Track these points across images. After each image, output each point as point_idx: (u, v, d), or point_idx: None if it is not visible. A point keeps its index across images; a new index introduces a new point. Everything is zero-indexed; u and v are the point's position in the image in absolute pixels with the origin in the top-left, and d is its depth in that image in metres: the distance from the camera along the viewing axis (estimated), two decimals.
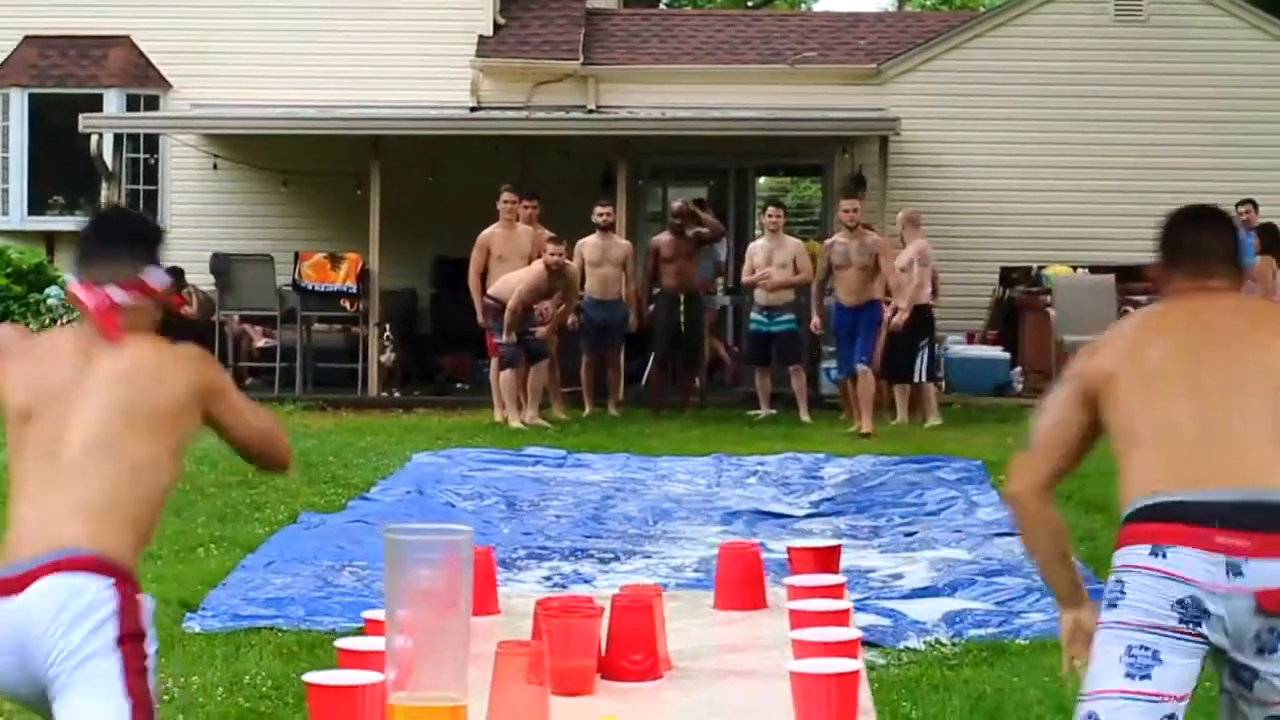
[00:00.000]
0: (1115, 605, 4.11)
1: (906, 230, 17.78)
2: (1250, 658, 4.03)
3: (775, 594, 6.43)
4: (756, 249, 18.41)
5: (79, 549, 4.15)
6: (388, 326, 19.86)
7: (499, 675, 4.80)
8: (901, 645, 8.18)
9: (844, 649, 5.20)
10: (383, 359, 19.75)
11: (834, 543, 7.44)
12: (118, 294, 4.38)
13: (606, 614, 5.50)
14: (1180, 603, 4.00)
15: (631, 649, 5.47)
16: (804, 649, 5.26)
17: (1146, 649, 4.02)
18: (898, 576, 9.79)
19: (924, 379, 17.54)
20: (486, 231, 17.71)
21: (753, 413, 18.06)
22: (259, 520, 11.42)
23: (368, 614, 5.76)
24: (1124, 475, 4.22)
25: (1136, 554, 4.08)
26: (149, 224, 4.81)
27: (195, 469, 13.38)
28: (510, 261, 17.45)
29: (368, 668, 4.88)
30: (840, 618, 5.66)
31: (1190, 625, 4.00)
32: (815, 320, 17.55)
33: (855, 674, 5.01)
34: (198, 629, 8.46)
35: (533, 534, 11.13)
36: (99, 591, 4.12)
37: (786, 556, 7.04)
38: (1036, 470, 4.39)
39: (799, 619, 5.64)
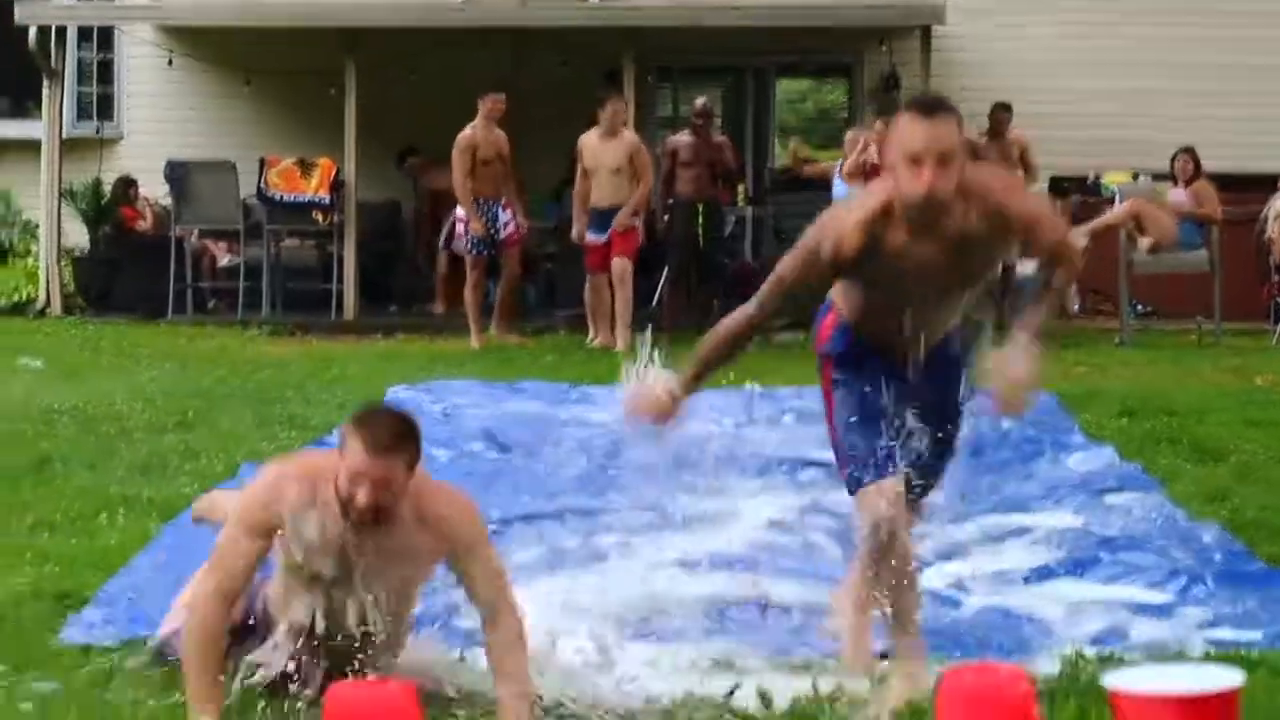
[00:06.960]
0: None
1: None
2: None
3: None
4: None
5: None
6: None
7: None
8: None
9: None
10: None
11: (1221, 684, 3.47)
12: None
13: None
14: None
15: None
16: None
17: None
18: (997, 553, 7.64)
19: None
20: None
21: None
22: (189, 474, 9.22)
23: None
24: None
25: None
26: None
27: (127, 407, 11.23)
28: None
29: None
30: None
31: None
32: None
33: None
34: (79, 641, 6.18)
35: (526, 493, 8.98)
36: None
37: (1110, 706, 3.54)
38: None
39: None
